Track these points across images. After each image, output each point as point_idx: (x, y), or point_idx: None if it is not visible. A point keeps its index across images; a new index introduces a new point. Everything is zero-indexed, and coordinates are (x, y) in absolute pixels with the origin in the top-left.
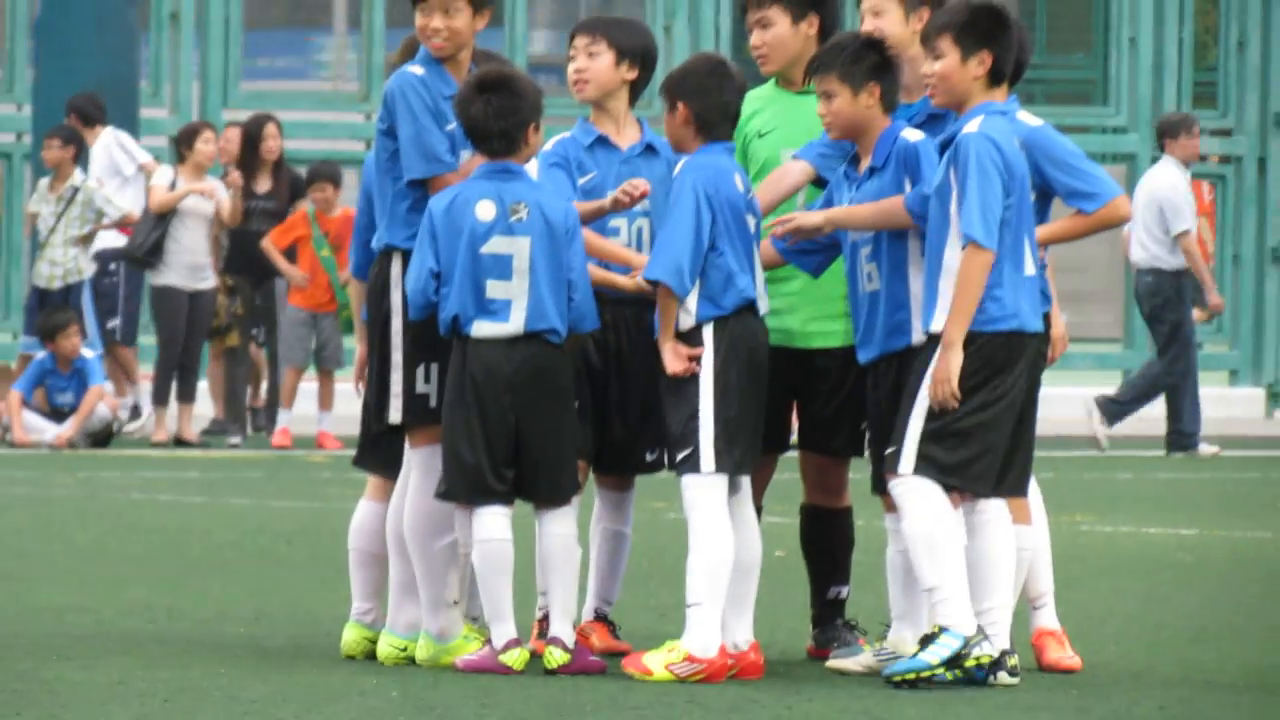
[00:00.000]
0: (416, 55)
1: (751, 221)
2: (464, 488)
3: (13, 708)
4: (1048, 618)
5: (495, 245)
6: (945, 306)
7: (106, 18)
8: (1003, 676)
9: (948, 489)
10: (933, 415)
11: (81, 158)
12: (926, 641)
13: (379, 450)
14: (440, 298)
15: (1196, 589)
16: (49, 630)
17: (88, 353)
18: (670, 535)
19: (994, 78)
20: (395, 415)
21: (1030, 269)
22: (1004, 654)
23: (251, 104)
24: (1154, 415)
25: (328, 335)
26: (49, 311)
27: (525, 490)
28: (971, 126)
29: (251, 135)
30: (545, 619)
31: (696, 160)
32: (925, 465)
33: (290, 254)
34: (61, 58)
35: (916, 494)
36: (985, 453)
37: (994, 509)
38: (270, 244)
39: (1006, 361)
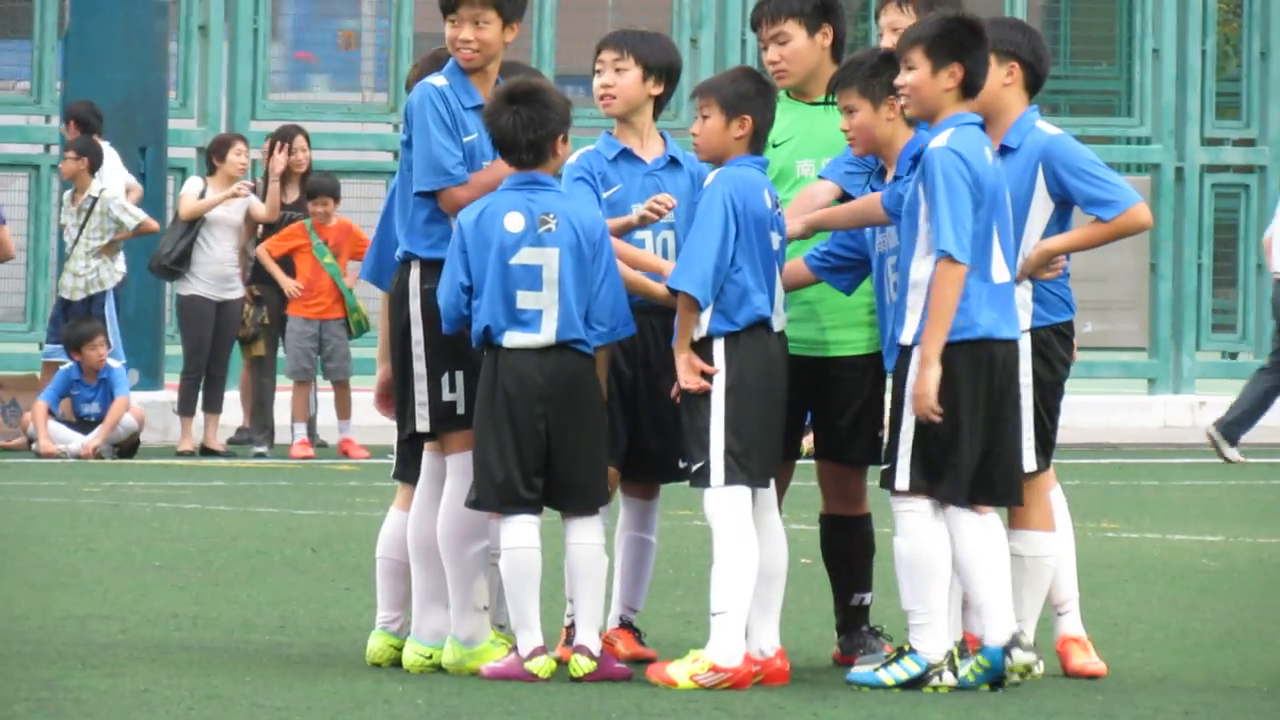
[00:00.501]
0: (444, 66)
1: (776, 239)
2: (495, 497)
3: (38, 716)
4: (1072, 624)
5: (525, 256)
6: (915, 319)
7: (135, 29)
8: (945, 677)
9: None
10: (919, 430)
11: (97, 167)
12: (895, 657)
13: (419, 462)
14: (472, 310)
15: (1222, 595)
16: (74, 638)
17: (114, 363)
18: (695, 543)
19: (966, 90)
20: (422, 424)
21: (1001, 276)
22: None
23: (280, 115)
24: (1176, 423)
25: (334, 345)
26: (75, 322)
27: (555, 499)
28: (939, 140)
29: (281, 144)
30: (573, 626)
31: (729, 172)
32: (918, 481)
33: (286, 265)
34: (90, 69)
35: (911, 514)
36: (958, 463)
37: (963, 518)
38: (265, 252)
39: (971, 371)
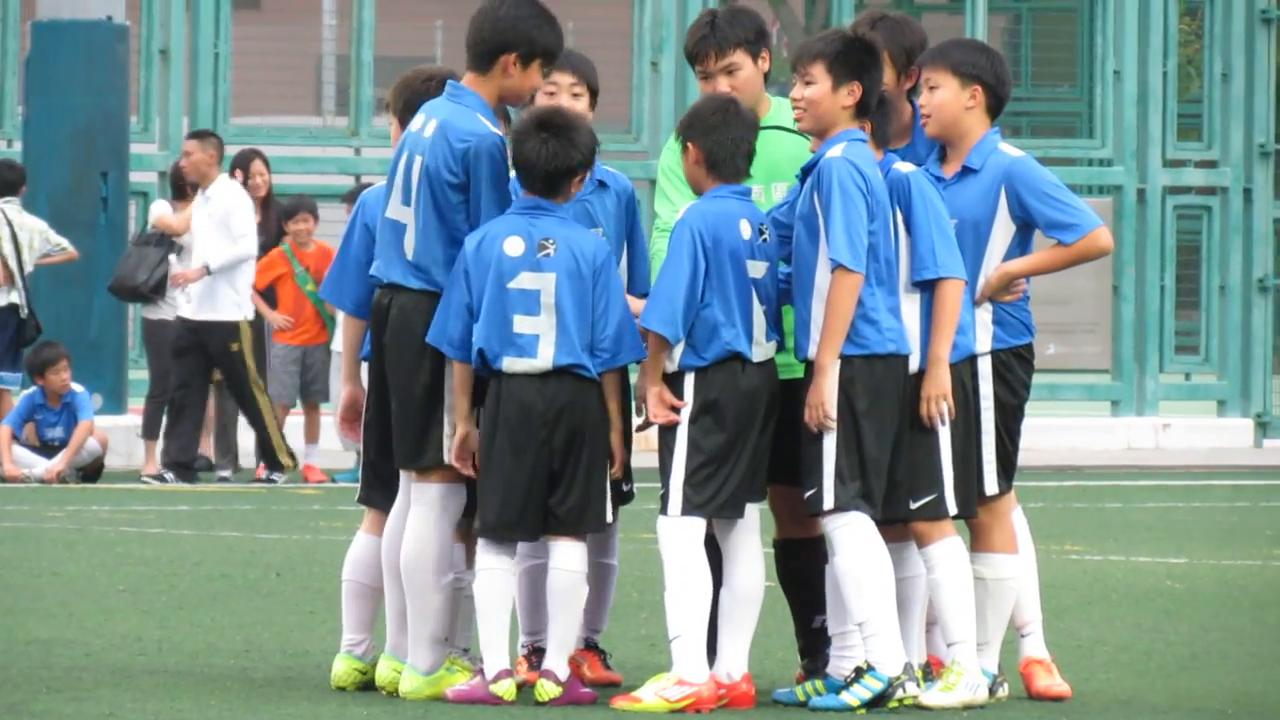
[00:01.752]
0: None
1: (759, 267)
2: (496, 523)
3: None
4: (1035, 646)
5: (523, 280)
6: (820, 331)
7: (96, 54)
8: (909, 687)
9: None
10: (841, 447)
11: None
12: (855, 678)
13: (386, 487)
14: (472, 332)
15: (1186, 617)
16: (38, 663)
17: (77, 387)
18: (659, 567)
19: (861, 109)
20: (447, 456)
21: (900, 292)
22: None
23: (241, 139)
24: (1140, 445)
25: (317, 370)
26: (38, 347)
27: (549, 522)
28: (834, 152)
29: (240, 171)
30: (531, 654)
31: (698, 208)
32: (844, 497)
33: (268, 294)
34: (51, 94)
35: (845, 529)
36: (878, 476)
37: (859, 522)
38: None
39: (890, 384)
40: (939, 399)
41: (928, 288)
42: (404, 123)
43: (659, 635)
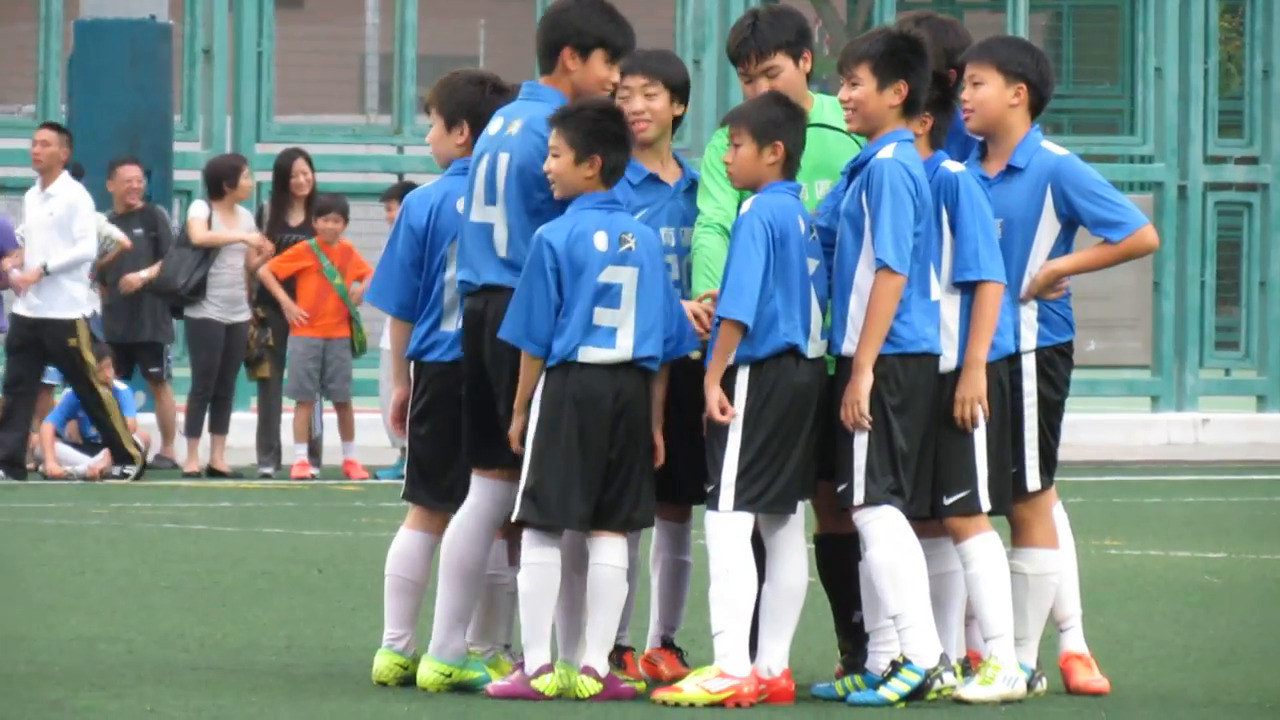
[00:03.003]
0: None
1: (812, 264)
2: (554, 512)
3: None
4: (1075, 640)
5: (608, 275)
6: (856, 328)
7: (140, 53)
8: (947, 678)
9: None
10: (873, 443)
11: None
12: (894, 670)
13: (431, 483)
14: (557, 329)
15: (1225, 612)
16: (81, 659)
17: (120, 385)
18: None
19: (909, 108)
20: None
21: (935, 294)
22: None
23: (284, 138)
24: (1180, 440)
25: (336, 365)
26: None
27: (603, 516)
28: (885, 153)
29: (281, 170)
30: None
31: (764, 199)
32: (875, 491)
33: (288, 286)
34: (95, 93)
35: (877, 523)
36: (908, 472)
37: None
38: (269, 273)
39: (922, 382)
40: (974, 401)
41: (968, 289)
42: (452, 124)
43: (698, 630)
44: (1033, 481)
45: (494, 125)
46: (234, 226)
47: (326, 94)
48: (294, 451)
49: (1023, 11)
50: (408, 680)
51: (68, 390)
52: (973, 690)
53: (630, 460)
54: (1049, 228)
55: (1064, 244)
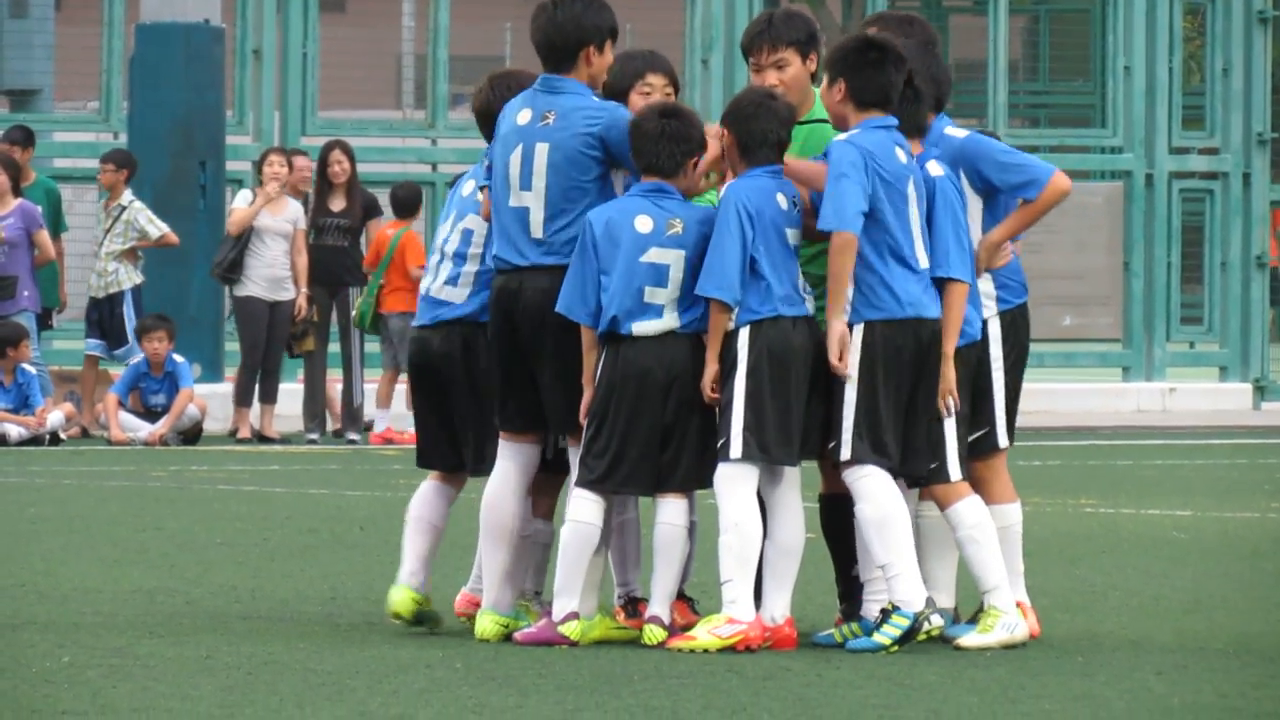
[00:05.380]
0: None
1: (793, 235)
2: (609, 477)
3: (110, 680)
4: (1018, 590)
5: (653, 255)
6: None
7: (195, 53)
8: (934, 619)
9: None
10: (861, 404)
11: (131, 178)
12: (882, 619)
13: (447, 449)
14: (604, 296)
15: (1191, 565)
16: (142, 610)
17: (178, 358)
18: (709, 520)
19: (858, 103)
20: (581, 416)
21: (923, 263)
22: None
23: (327, 131)
24: (1148, 408)
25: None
26: (145, 316)
27: (663, 478)
28: (840, 137)
29: (321, 160)
30: (627, 603)
31: (738, 184)
32: (860, 450)
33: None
34: (154, 90)
35: (866, 479)
36: (893, 432)
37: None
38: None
39: (907, 347)
40: (946, 394)
41: (940, 285)
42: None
43: (711, 583)
44: (1002, 439)
45: (522, 116)
46: (275, 211)
47: (366, 91)
48: (380, 418)
49: (1003, 15)
50: (420, 618)
51: (131, 362)
52: (972, 638)
53: (685, 425)
54: (972, 204)
55: (990, 213)
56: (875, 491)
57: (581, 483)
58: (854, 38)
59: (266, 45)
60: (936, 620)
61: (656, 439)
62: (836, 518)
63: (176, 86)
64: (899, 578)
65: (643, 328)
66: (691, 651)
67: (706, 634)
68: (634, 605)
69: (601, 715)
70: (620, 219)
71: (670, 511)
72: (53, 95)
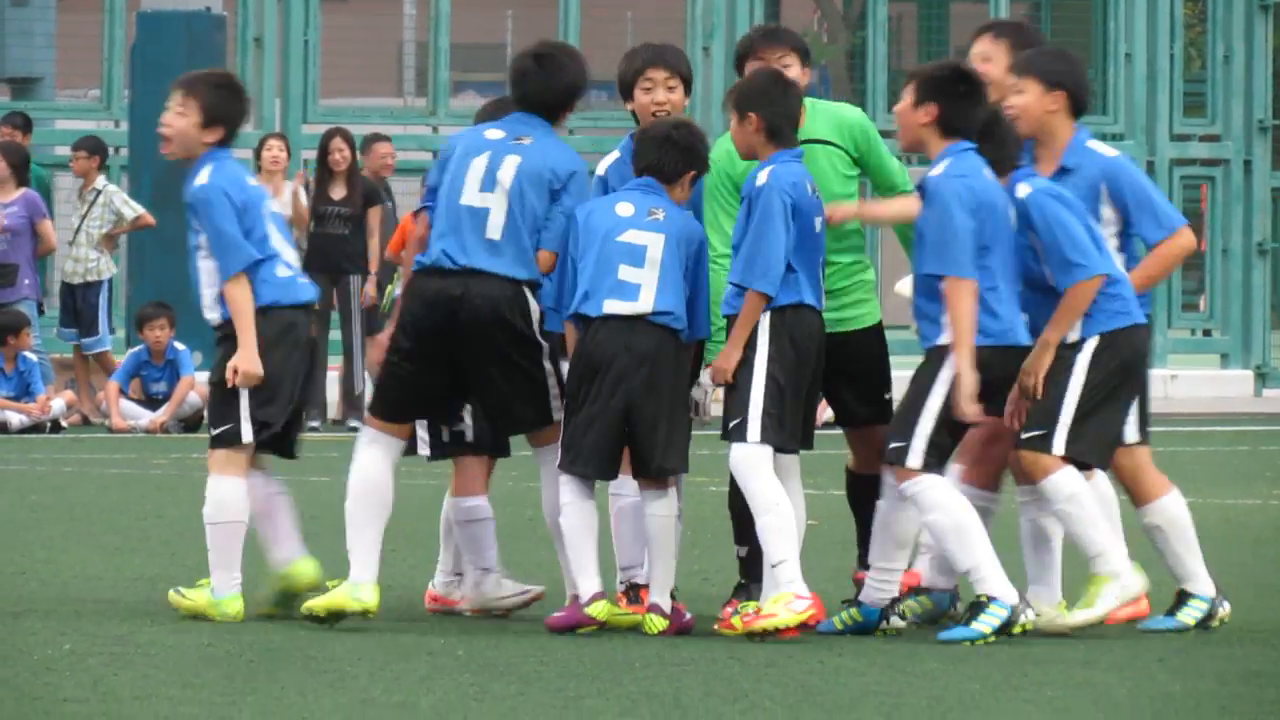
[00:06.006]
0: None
1: (818, 223)
2: (587, 462)
3: (111, 668)
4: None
5: (631, 236)
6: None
7: (196, 42)
8: (894, 620)
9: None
10: (940, 420)
11: (104, 164)
12: (976, 609)
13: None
14: (577, 279)
15: None
16: (144, 597)
17: (179, 345)
18: (710, 506)
19: (946, 129)
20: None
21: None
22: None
23: (329, 118)
24: (1156, 395)
25: None
26: (143, 305)
27: (638, 465)
28: (937, 170)
29: (321, 148)
30: (629, 589)
31: (779, 171)
32: (931, 462)
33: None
34: (155, 79)
35: (933, 490)
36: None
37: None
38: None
39: (999, 371)
40: (1030, 374)
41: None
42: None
43: (710, 569)
44: (1131, 434)
45: (493, 133)
46: (280, 198)
47: (367, 78)
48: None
49: (1004, 1)
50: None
51: (132, 350)
52: (1080, 616)
53: (653, 411)
54: (1109, 220)
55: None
56: (943, 500)
57: (564, 466)
58: (951, 65)
59: (268, 33)
60: (1030, 615)
61: (619, 424)
62: (869, 490)
63: (178, 74)
64: (986, 580)
65: (614, 306)
66: (776, 631)
67: (785, 611)
68: (635, 592)
69: (603, 702)
70: (602, 205)
71: (655, 504)
72: (54, 83)
